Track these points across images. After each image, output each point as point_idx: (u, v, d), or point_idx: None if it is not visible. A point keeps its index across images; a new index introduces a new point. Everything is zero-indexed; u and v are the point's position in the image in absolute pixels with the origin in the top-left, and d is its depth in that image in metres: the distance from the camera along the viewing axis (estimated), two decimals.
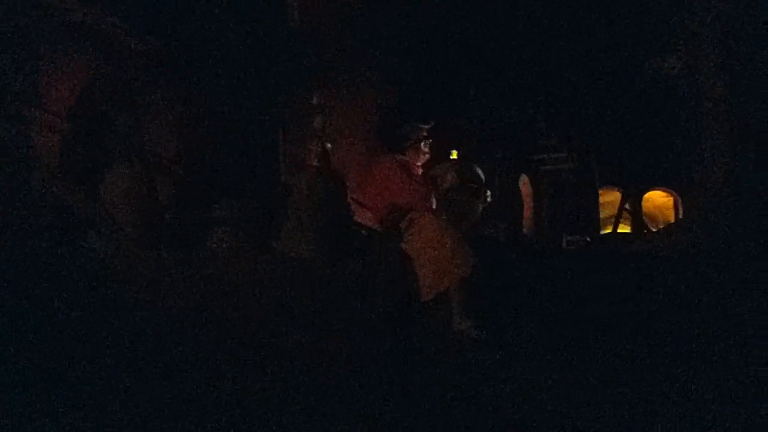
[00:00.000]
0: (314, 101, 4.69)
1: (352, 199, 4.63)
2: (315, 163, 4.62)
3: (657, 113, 10.64)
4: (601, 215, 12.50)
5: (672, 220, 12.73)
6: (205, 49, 5.91)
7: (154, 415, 3.66)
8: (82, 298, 3.89)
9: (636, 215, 12.59)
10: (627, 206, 12.50)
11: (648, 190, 12.81)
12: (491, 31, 8.67)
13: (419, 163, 4.88)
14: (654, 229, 12.16)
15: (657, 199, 13.28)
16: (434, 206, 4.59)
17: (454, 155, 4.96)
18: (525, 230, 9.45)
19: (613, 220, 12.46)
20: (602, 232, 12.53)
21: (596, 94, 10.53)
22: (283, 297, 4.06)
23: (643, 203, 12.80)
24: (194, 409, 3.73)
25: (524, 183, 10.48)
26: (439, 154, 4.90)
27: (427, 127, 4.87)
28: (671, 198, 13.02)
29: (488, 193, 4.75)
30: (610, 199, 12.84)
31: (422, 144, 4.88)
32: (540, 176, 10.78)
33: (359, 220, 4.67)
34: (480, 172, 4.73)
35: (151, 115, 5.57)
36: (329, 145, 4.65)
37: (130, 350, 3.81)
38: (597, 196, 12.17)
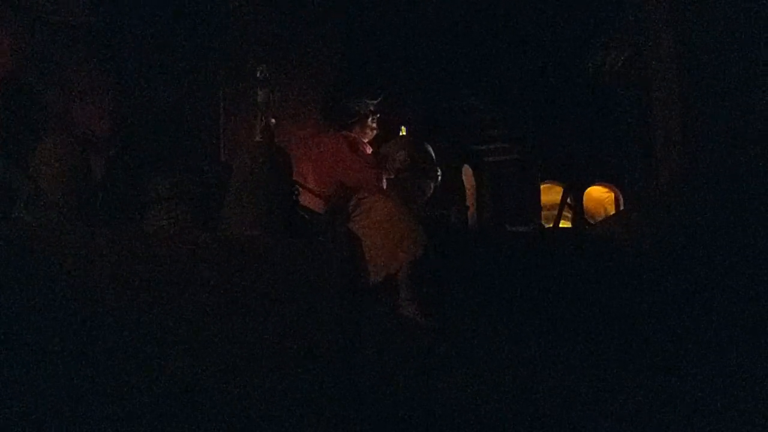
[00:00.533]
0: (258, 75, 4.49)
1: (297, 177, 4.41)
2: (258, 139, 4.43)
3: (600, 107, 10.64)
4: (543, 210, 12.46)
5: None
6: (138, 25, 5.68)
7: (78, 400, 3.47)
8: (9, 271, 3.67)
9: (577, 210, 12.59)
10: (569, 201, 12.49)
11: (590, 185, 12.82)
12: (437, 21, 8.54)
13: (366, 140, 4.69)
14: None
15: (598, 194, 13.30)
16: (384, 185, 4.42)
17: (403, 131, 4.79)
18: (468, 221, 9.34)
19: (554, 214, 12.43)
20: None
21: (539, 86, 10.47)
22: (223, 277, 3.86)
23: (585, 198, 12.80)
24: (121, 397, 3.53)
25: (467, 173, 10.36)
26: (387, 131, 4.73)
27: (374, 102, 4.67)
28: (612, 193, 13.05)
29: (439, 172, 4.60)
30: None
31: (369, 120, 4.68)
32: (482, 167, 10.68)
33: (304, 200, 4.45)
34: (431, 150, 4.58)
35: (83, 92, 5.34)
36: (273, 121, 4.46)
37: (59, 328, 3.58)
38: (539, 189, 12.13)
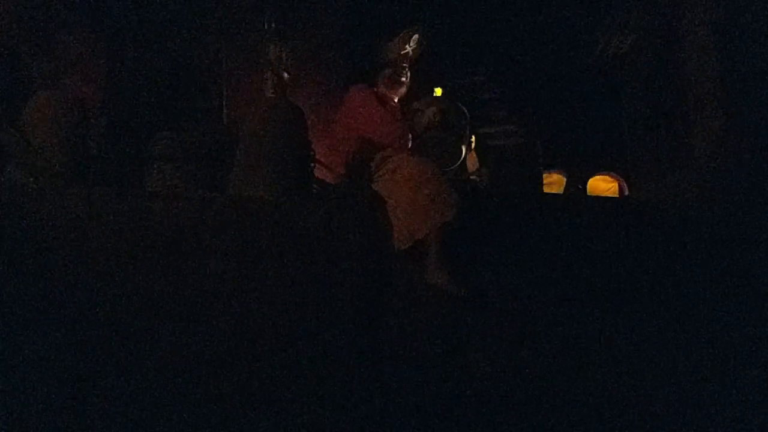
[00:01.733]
0: (267, 26, 4.14)
1: (316, 135, 4.05)
2: (270, 94, 4.08)
3: (604, 95, 10.32)
4: None
5: None
6: None
7: (72, 373, 3.14)
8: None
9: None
10: (571, 190, 12.18)
11: (593, 175, 12.53)
12: None
13: (396, 97, 4.31)
14: None
15: (601, 184, 13.00)
16: (409, 143, 4.05)
17: (437, 92, 4.40)
18: None
19: None
20: None
21: (545, 68, 10.15)
22: (234, 243, 3.51)
23: (588, 188, 12.49)
24: (123, 372, 3.18)
25: (470, 158, 10.04)
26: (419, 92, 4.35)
27: (407, 46, 4.23)
28: (615, 183, 12.75)
29: (473, 136, 4.23)
30: (553, 181, 12.50)
31: (400, 70, 4.27)
32: (486, 150, 10.34)
33: (322, 159, 4.08)
34: (466, 111, 4.21)
35: (74, 61, 4.98)
36: (287, 75, 4.11)
37: (54, 297, 3.23)
38: (541, 176, 11.84)
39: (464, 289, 3.50)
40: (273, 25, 4.11)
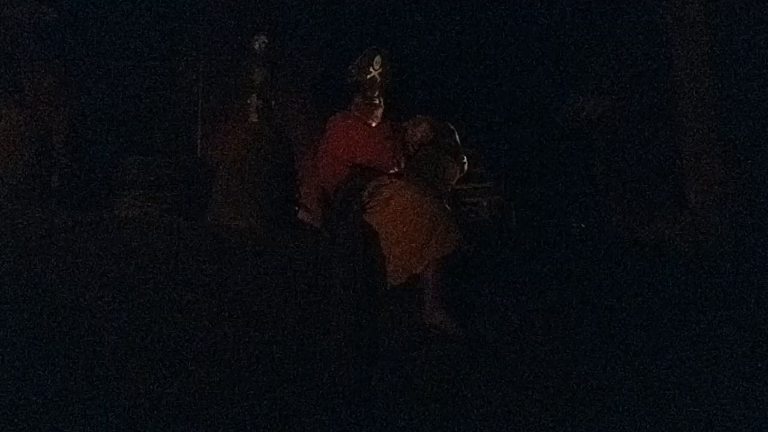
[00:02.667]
0: (256, 47, 3.88)
1: (301, 162, 3.76)
2: (254, 120, 3.80)
3: (576, 156, 10.24)
4: None
5: None
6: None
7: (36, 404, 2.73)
8: None
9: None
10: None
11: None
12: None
13: (373, 122, 3.93)
14: None
15: None
16: (402, 164, 3.75)
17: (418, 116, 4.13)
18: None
19: None
20: None
21: (519, 126, 10.04)
22: (210, 274, 3.18)
23: None
24: (87, 405, 2.81)
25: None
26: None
27: (375, 67, 3.87)
28: None
29: (465, 158, 3.95)
30: None
31: (371, 93, 3.91)
32: (460, 207, 10.13)
33: (309, 189, 3.79)
34: (455, 130, 3.94)
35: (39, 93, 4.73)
36: (272, 102, 3.84)
37: (13, 328, 2.88)
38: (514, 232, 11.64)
39: (464, 331, 3.19)
40: (262, 46, 3.84)
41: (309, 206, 3.83)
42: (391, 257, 3.34)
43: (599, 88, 7.84)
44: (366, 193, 3.53)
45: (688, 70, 4.80)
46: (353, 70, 3.89)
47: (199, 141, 4.74)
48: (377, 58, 3.86)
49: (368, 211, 3.48)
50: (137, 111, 4.78)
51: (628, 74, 6.57)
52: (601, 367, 3.27)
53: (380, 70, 3.83)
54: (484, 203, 7.60)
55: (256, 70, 3.84)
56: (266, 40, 3.88)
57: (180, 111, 4.88)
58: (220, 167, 3.54)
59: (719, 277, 3.94)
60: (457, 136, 3.91)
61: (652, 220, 5.11)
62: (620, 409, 3.26)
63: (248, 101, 3.83)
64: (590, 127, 8.94)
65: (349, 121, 3.82)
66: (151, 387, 2.85)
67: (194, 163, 3.92)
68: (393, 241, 3.36)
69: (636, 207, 5.99)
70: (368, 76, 3.85)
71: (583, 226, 6.62)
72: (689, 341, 3.48)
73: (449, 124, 3.94)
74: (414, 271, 3.29)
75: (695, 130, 4.69)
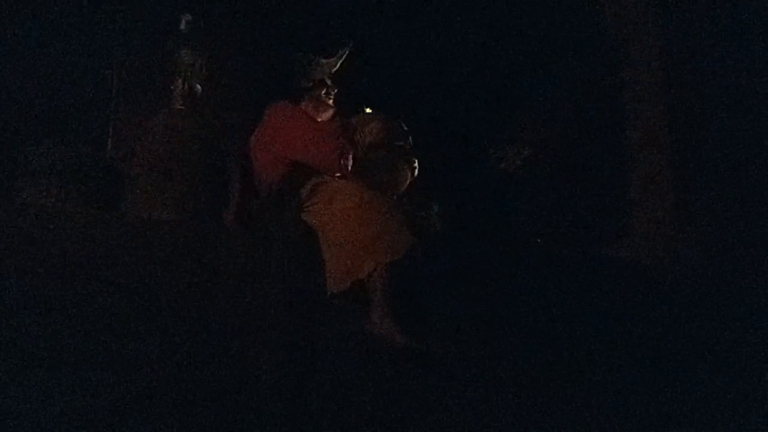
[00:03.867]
0: (182, 27, 3.50)
1: (236, 156, 3.35)
2: (178, 106, 3.41)
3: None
4: None
5: None
6: None
7: None
8: None
9: None
10: None
11: None
12: None
13: (319, 119, 3.57)
14: None
15: None
16: (349, 165, 3.37)
17: (367, 111, 3.75)
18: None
19: None
20: None
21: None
22: (128, 274, 2.77)
23: None
24: None
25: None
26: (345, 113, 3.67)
27: (330, 62, 3.56)
28: None
29: (416, 161, 3.59)
30: None
31: (324, 91, 3.57)
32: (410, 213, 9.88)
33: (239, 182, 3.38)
34: (407, 129, 3.59)
35: None
36: (199, 87, 3.45)
37: None
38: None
39: (414, 343, 2.85)
40: (188, 25, 3.45)
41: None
42: (332, 261, 2.99)
43: (520, 135, 7.71)
44: (305, 190, 3.16)
45: (637, 98, 4.64)
46: (326, 67, 3.51)
47: (111, 129, 4.27)
48: (345, 53, 3.51)
49: (307, 210, 3.12)
50: (44, 96, 4.32)
51: (567, 110, 6.40)
52: (564, 384, 2.99)
53: (336, 68, 3.49)
54: (435, 209, 7.25)
55: (182, 51, 3.46)
56: (193, 18, 3.49)
57: (91, 95, 4.42)
58: (138, 156, 3.13)
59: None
60: (410, 139, 3.57)
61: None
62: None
63: (172, 86, 3.44)
64: (513, 173, 8.80)
65: (292, 112, 3.41)
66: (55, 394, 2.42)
67: (105, 152, 3.49)
68: (335, 243, 3.00)
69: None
70: (333, 71, 3.50)
71: (539, 241, 6.43)
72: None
73: (402, 123, 3.59)
74: (358, 276, 2.95)
75: (644, 159, 4.52)
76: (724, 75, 4.37)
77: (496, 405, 2.81)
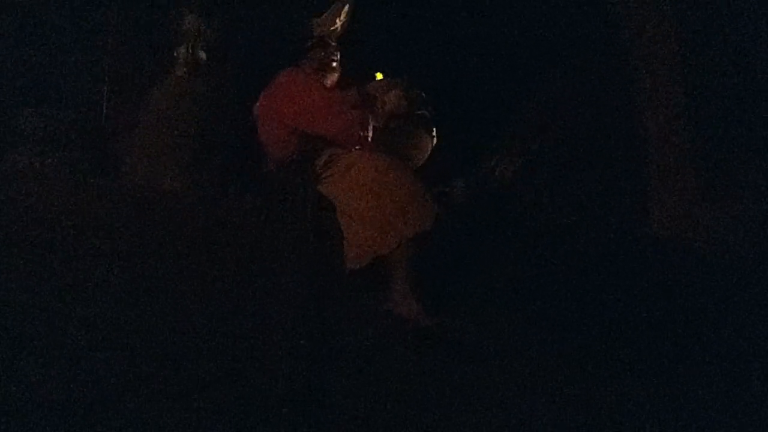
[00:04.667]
0: None
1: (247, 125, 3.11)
2: (181, 73, 3.19)
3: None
4: None
5: None
6: None
7: None
8: None
9: None
10: None
11: None
12: None
13: (327, 83, 3.34)
14: None
15: None
16: (370, 136, 3.13)
17: (378, 77, 3.52)
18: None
19: None
20: None
21: None
22: (128, 243, 2.55)
23: None
24: None
25: None
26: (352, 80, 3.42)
27: (324, 18, 3.25)
28: None
29: (435, 131, 3.37)
30: None
31: (328, 51, 3.28)
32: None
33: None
34: (426, 97, 3.37)
35: None
36: (203, 55, 3.23)
37: None
38: None
39: (438, 323, 2.66)
40: None
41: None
42: (351, 236, 2.78)
43: (511, 145, 7.54)
44: (320, 162, 2.93)
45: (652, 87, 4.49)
46: (317, 22, 3.26)
47: (105, 95, 4.01)
48: (346, 8, 3.26)
49: (323, 181, 2.90)
50: (36, 61, 4.05)
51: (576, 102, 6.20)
52: (594, 368, 2.80)
53: (344, 21, 3.25)
54: (461, 184, 6.97)
55: (187, 17, 3.24)
56: None
57: (86, 60, 4.16)
58: (141, 124, 2.92)
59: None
60: (430, 107, 3.35)
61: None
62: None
63: (175, 53, 3.23)
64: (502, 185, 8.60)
65: (304, 80, 3.11)
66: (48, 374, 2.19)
67: (99, 118, 3.26)
68: (355, 217, 2.79)
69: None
70: (332, 28, 3.25)
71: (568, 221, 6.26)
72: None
73: (421, 92, 3.37)
74: (381, 253, 2.75)
75: (662, 148, 4.37)
76: (745, 49, 4.24)
77: (521, 388, 2.63)
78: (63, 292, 2.40)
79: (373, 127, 3.03)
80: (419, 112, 3.26)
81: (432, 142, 3.32)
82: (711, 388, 2.79)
